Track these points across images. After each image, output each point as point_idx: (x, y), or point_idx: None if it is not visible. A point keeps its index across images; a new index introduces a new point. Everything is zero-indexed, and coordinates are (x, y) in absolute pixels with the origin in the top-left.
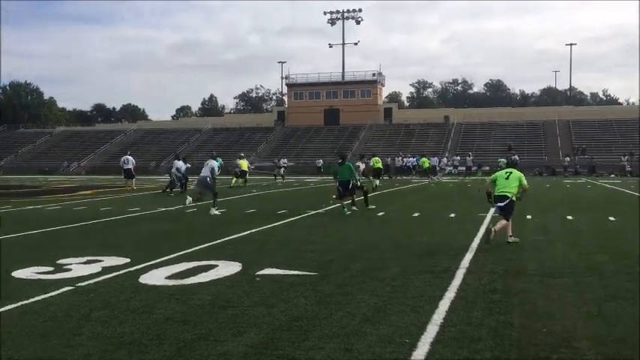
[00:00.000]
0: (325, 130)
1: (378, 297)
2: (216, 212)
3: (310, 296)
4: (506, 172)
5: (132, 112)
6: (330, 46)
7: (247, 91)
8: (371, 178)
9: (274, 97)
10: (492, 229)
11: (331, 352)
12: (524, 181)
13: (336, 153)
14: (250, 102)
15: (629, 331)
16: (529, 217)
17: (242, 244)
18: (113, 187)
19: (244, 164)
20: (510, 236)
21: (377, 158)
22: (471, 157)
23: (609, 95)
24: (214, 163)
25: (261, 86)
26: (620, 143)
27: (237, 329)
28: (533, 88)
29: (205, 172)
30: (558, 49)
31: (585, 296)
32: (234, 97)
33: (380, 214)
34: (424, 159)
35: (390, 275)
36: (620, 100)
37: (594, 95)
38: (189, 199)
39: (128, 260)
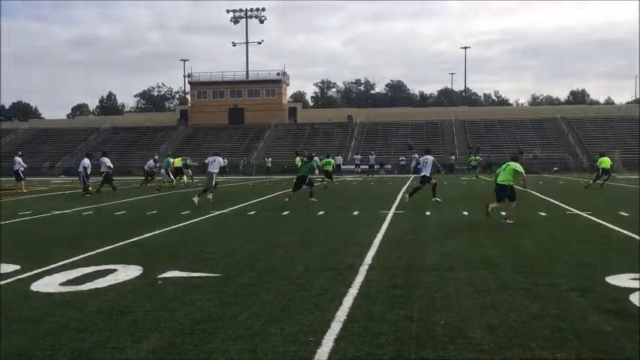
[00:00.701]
0: (230, 129)
1: (283, 296)
2: (210, 197)
3: (214, 298)
4: (505, 165)
5: (23, 110)
6: (233, 45)
7: (148, 90)
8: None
9: (177, 96)
10: (489, 207)
11: (235, 354)
12: (521, 169)
13: (307, 155)
14: (152, 100)
15: (519, 320)
16: (428, 213)
17: (143, 247)
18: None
19: (178, 161)
20: (506, 219)
21: (330, 160)
22: (374, 156)
23: (500, 96)
24: (220, 159)
25: (163, 84)
26: (510, 142)
27: (138, 335)
28: (431, 89)
29: (215, 167)
30: (454, 52)
31: (479, 288)
32: (135, 96)
33: (285, 213)
34: (297, 157)
35: (294, 274)
36: (511, 101)
37: (487, 96)
38: (197, 199)
39: (18, 267)
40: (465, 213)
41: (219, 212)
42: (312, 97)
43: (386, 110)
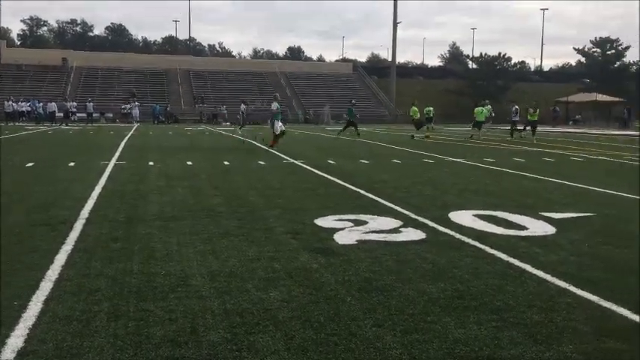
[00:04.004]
0: None
1: None
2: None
3: None
4: (481, 110)
5: None
6: None
7: None
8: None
9: None
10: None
11: None
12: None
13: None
14: None
15: (238, 264)
16: (151, 163)
17: None
18: None
19: None
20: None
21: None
22: (92, 104)
23: (224, 48)
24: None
25: None
26: (233, 93)
27: None
28: (155, 35)
29: None
30: None
31: (201, 236)
32: None
33: None
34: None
35: None
36: (234, 53)
37: (212, 47)
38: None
39: None
40: (189, 163)
41: None
42: (18, 34)
43: (107, 55)
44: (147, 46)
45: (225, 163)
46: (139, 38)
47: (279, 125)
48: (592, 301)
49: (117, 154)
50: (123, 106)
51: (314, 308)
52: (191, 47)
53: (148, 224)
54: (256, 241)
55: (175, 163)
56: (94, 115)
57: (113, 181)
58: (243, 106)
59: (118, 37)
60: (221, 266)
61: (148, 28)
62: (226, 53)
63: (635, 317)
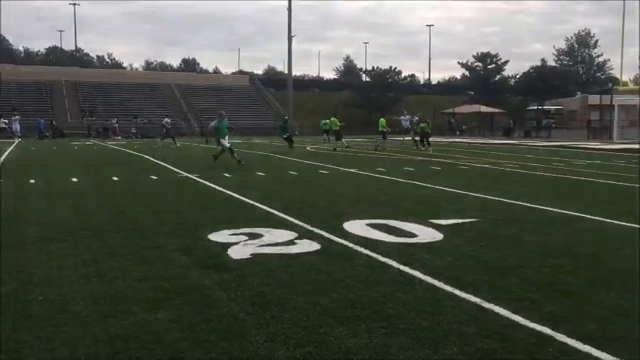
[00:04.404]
0: None
1: None
2: None
3: None
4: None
5: None
6: None
7: None
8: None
9: None
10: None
11: None
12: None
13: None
14: None
15: (123, 285)
16: (32, 181)
17: None
18: None
19: None
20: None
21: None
22: None
23: (114, 59)
24: None
25: None
26: (125, 106)
27: None
28: (38, 46)
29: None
30: (63, 8)
31: (85, 258)
32: None
33: None
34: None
35: None
36: (125, 65)
37: (100, 58)
38: None
39: None
40: (75, 179)
41: None
42: None
43: None
44: (29, 57)
45: (114, 178)
46: (20, 49)
47: (225, 141)
48: (475, 302)
49: None
50: (2, 120)
51: (205, 327)
52: (78, 58)
53: (26, 247)
54: (145, 260)
55: (59, 180)
56: None
57: None
58: (167, 120)
59: None
60: (105, 289)
61: (31, 38)
62: (117, 65)
63: (514, 317)
